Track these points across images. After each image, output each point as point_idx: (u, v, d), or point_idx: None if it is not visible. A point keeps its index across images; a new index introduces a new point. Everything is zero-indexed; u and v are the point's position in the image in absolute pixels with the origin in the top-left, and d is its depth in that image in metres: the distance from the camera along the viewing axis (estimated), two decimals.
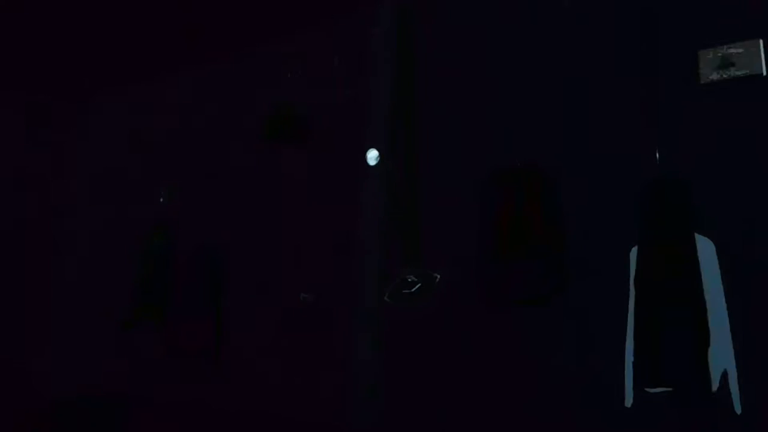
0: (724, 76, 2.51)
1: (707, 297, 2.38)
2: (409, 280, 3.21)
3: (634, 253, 2.56)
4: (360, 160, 3.55)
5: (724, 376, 2.33)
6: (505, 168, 2.95)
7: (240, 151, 4.20)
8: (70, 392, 4.32)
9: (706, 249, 2.43)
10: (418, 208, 3.32)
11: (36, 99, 5.25)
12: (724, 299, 2.37)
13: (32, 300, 5.07)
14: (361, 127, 3.63)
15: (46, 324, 5.10)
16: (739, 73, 2.48)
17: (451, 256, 3.13)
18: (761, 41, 2.46)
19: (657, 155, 2.59)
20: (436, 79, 3.40)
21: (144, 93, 4.97)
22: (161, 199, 4.37)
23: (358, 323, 3.38)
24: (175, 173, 4.46)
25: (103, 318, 4.57)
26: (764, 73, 2.44)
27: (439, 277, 3.11)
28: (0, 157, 4.98)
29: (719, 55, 2.53)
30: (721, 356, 2.34)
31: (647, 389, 2.46)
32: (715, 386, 2.33)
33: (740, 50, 2.49)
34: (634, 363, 2.49)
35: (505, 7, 3.21)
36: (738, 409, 2.28)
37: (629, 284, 2.54)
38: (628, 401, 2.48)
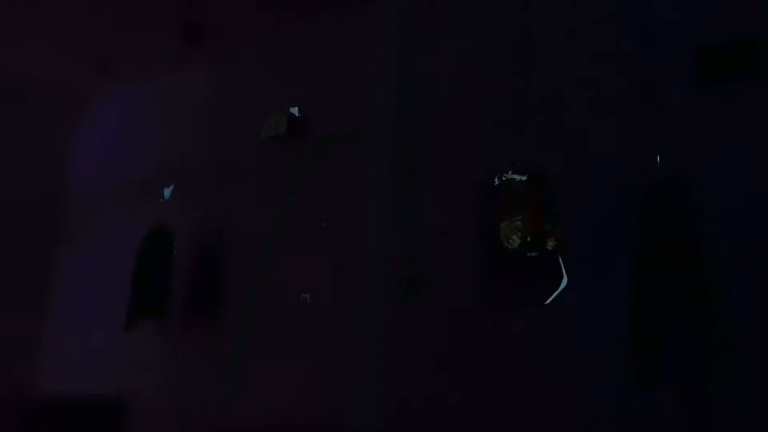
0: (724, 76, 2.51)
1: (707, 297, 2.38)
2: (409, 280, 3.21)
3: (634, 253, 2.55)
4: (362, 158, 3.56)
5: (725, 376, 2.33)
6: (507, 168, 2.95)
7: (240, 150, 4.20)
8: (69, 393, 4.31)
9: (706, 249, 2.43)
10: (419, 209, 3.32)
11: (37, 97, 5.26)
12: (725, 299, 2.37)
13: (31, 299, 5.07)
14: (362, 126, 3.63)
15: (45, 323, 5.10)
16: (739, 73, 2.49)
17: (451, 256, 3.13)
18: (761, 41, 2.46)
19: (658, 156, 2.59)
20: (436, 79, 3.40)
21: (145, 93, 4.97)
22: (161, 199, 4.37)
23: (358, 324, 3.37)
24: (175, 173, 4.46)
25: (102, 318, 4.57)
26: (764, 73, 2.44)
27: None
28: (1, 155, 4.99)
29: (719, 55, 2.53)
30: (722, 357, 2.34)
31: (647, 390, 2.46)
32: (715, 387, 2.33)
33: (740, 50, 2.49)
34: (634, 364, 2.49)
35: (505, 6, 3.21)
36: (738, 410, 2.28)
37: (629, 285, 2.54)
38: (628, 401, 2.48)
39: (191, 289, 4.14)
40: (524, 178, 2.87)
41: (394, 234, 3.37)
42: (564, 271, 2.75)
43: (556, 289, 2.77)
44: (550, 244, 2.77)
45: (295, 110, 3.93)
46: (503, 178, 2.91)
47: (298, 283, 3.69)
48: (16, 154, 5.08)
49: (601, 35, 2.89)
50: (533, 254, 2.81)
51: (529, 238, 2.79)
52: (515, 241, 2.83)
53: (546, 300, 2.78)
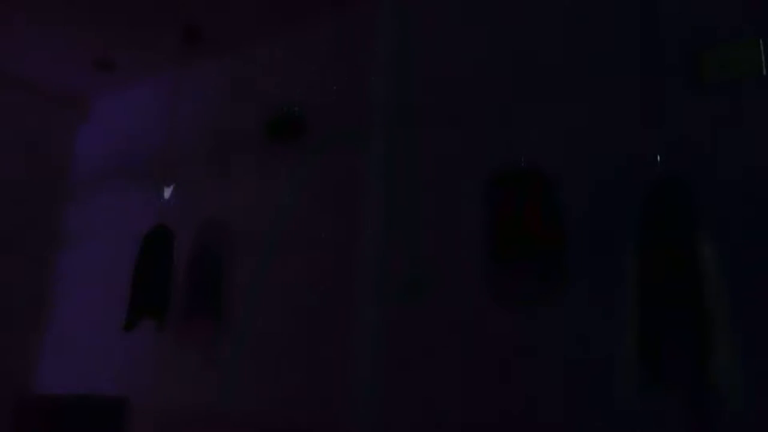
0: (724, 76, 2.51)
1: (707, 297, 2.38)
2: (409, 280, 3.21)
3: (634, 253, 2.55)
4: (362, 158, 3.57)
5: (725, 376, 2.33)
6: (507, 169, 2.95)
7: (241, 150, 4.21)
8: (69, 392, 4.31)
9: (706, 249, 2.43)
10: (419, 209, 3.32)
11: (37, 96, 5.27)
12: (724, 299, 2.37)
13: (33, 299, 5.08)
14: (362, 126, 3.64)
15: (46, 324, 5.11)
16: (739, 73, 2.49)
17: (451, 256, 3.13)
18: (761, 41, 2.46)
19: (658, 156, 2.59)
20: (437, 78, 3.41)
21: (145, 93, 4.98)
22: (161, 199, 4.37)
23: (358, 323, 3.37)
24: (176, 173, 4.46)
25: (103, 318, 4.57)
26: (764, 73, 2.44)
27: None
28: (1, 154, 4.99)
29: (719, 55, 2.53)
30: (722, 357, 2.34)
31: (647, 390, 2.46)
32: (715, 387, 2.34)
33: (740, 50, 2.49)
34: (634, 363, 2.49)
35: (506, 7, 3.21)
36: (738, 409, 2.28)
37: (629, 285, 2.54)
38: (627, 401, 2.48)
39: (191, 289, 4.14)
40: (526, 177, 2.87)
41: (394, 234, 3.37)
42: (564, 271, 2.75)
43: (556, 289, 2.77)
44: (551, 244, 2.77)
45: (295, 110, 3.94)
46: (506, 179, 2.92)
47: (298, 283, 3.69)
48: (16, 154, 5.09)
49: (601, 35, 2.89)
50: (533, 254, 2.81)
51: (529, 238, 2.79)
52: (515, 240, 2.83)
53: (546, 300, 2.78)
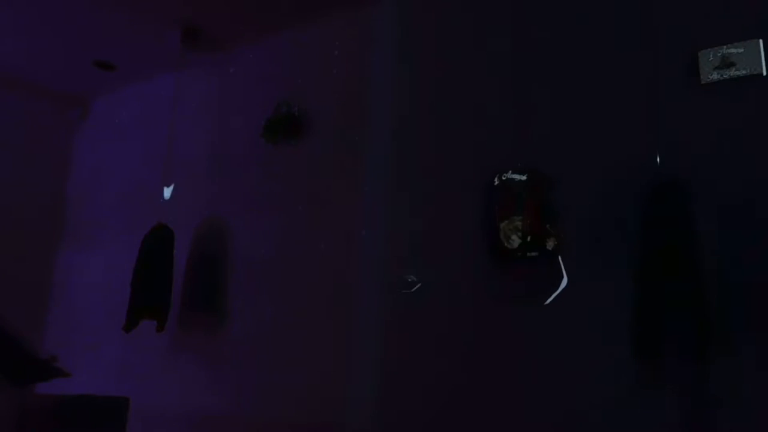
0: (724, 76, 2.51)
1: (707, 298, 2.38)
2: (409, 279, 3.21)
3: (634, 253, 2.55)
4: (362, 158, 3.57)
5: (724, 376, 2.33)
6: (507, 169, 2.95)
7: (241, 150, 4.21)
8: (70, 392, 4.31)
9: (706, 250, 2.43)
10: (419, 209, 3.32)
11: (37, 96, 5.26)
12: (724, 300, 2.37)
13: (33, 299, 5.08)
14: (362, 125, 3.64)
15: (46, 323, 5.11)
16: (739, 73, 2.49)
17: (451, 256, 3.13)
18: (761, 41, 2.46)
19: (657, 155, 2.59)
20: (436, 78, 3.41)
21: (145, 93, 4.97)
22: (162, 199, 4.37)
23: (359, 324, 3.38)
24: (176, 173, 4.46)
25: (103, 319, 4.57)
26: (764, 73, 2.45)
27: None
28: (1, 155, 4.99)
29: (719, 55, 2.53)
30: (722, 357, 2.34)
31: (647, 389, 2.46)
32: (714, 386, 2.34)
33: (740, 50, 2.49)
34: (634, 363, 2.49)
35: (505, 7, 3.21)
36: (738, 410, 2.29)
37: (629, 285, 2.54)
38: (627, 401, 2.48)
39: (191, 289, 4.15)
40: (524, 177, 2.87)
41: (394, 234, 3.37)
42: (564, 271, 2.75)
43: (556, 289, 2.77)
44: (550, 244, 2.77)
45: (295, 110, 3.94)
46: (503, 178, 2.91)
47: (298, 283, 3.69)
48: (16, 154, 5.09)
49: (601, 35, 2.89)
50: (533, 254, 2.81)
51: (529, 238, 2.79)
52: (515, 241, 2.83)
53: (546, 300, 2.78)
